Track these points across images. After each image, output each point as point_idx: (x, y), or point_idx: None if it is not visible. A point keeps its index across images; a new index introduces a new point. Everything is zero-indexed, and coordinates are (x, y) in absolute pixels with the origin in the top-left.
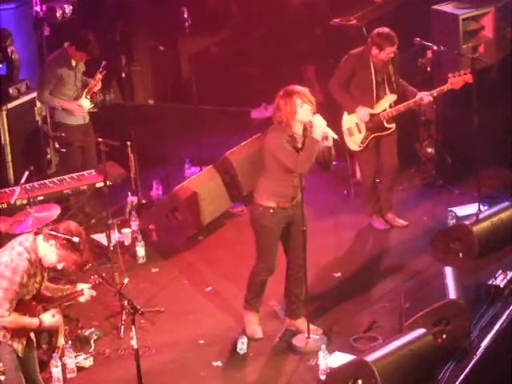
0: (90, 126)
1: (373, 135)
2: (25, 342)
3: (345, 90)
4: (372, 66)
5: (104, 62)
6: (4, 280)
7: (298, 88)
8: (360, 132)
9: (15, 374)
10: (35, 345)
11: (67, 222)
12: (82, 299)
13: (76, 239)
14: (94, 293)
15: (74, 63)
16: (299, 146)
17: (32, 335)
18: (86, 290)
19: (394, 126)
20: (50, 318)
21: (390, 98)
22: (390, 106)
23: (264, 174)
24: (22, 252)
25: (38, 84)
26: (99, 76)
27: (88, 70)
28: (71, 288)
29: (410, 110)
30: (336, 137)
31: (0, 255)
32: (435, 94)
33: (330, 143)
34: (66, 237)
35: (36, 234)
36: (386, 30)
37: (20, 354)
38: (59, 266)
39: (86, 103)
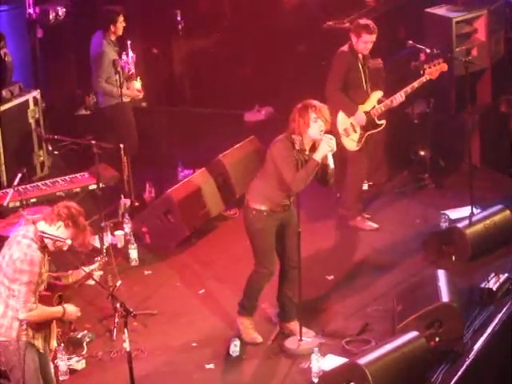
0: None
1: (367, 133)
2: (43, 336)
3: (343, 92)
4: (359, 62)
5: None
6: (24, 275)
7: (315, 102)
8: (355, 131)
9: (34, 374)
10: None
11: (64, 203)
12: (91, 282)
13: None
14: (101, 273)
15: (113, 38)
16: (300, 159)
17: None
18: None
19: (384, 121)
20: (73, 309)
21: (377, 94)
22: (378, 102)
23: (262, 176)
24: (31, 243)
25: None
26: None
27: None
28: (76, 273)
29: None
30: (333, 167)
31: (9, 253)
32: (409, 91)
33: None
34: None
35: (34, 222)
36: (368, 21)
37: (41, 350)
38: (67, 245)
39: (137, 84)
